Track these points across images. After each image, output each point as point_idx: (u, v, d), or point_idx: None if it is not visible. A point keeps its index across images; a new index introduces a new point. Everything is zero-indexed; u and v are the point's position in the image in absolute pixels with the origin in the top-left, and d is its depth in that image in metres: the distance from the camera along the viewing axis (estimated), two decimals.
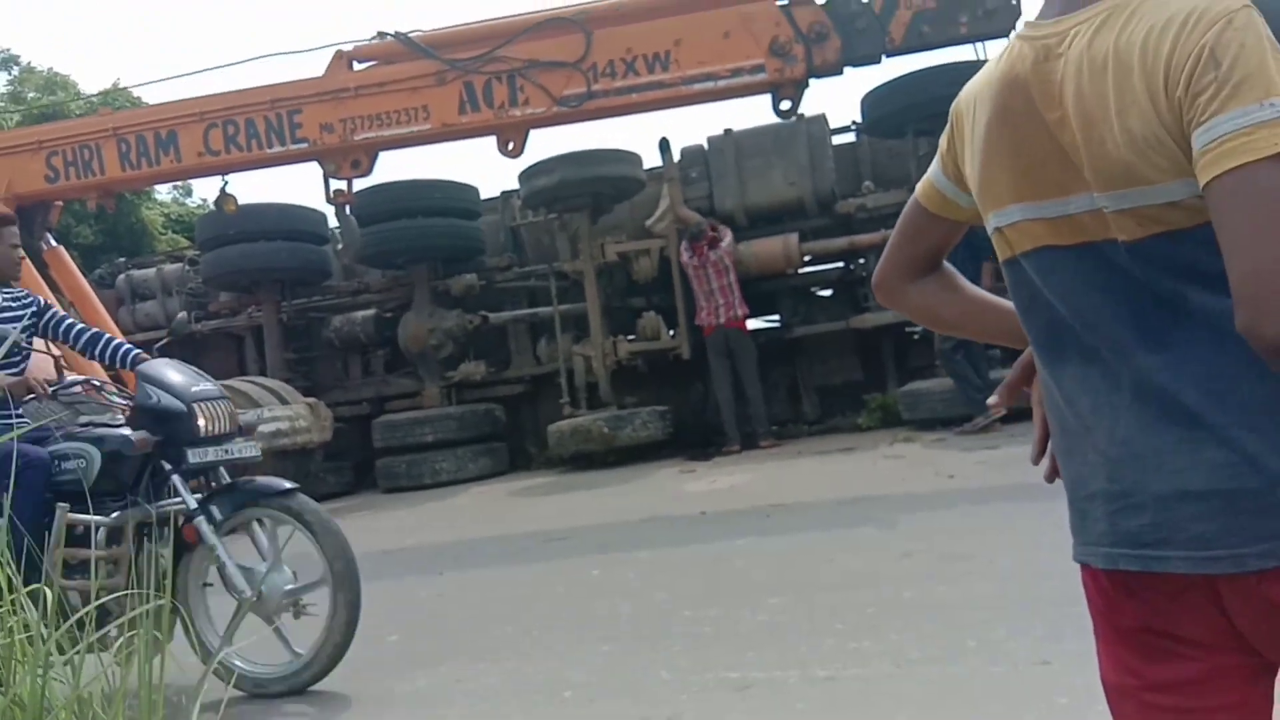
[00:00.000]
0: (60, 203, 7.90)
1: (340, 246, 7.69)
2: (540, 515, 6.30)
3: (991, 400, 1.05)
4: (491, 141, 6.51)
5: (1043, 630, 2.64)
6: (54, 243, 7.61)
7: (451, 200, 9.67)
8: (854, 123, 9.48)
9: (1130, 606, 0.89)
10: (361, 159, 6.69)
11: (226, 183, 7.21)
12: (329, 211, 7.85)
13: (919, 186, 1.10)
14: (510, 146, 6.44)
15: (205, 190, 29.62)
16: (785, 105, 6.13)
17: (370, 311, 10.30)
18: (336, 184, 6.84)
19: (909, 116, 8.17)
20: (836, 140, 9.41)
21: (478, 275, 9.91)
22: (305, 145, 6.63)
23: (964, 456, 5.99)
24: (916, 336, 9.19)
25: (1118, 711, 0.94)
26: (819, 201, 9.00)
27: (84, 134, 7.09)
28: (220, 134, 6.73)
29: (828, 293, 9.76)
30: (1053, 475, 1.01)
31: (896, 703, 2.33)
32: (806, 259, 9.15)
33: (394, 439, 9.07)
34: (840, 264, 9.40)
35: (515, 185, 9.43)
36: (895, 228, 1.13)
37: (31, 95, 23.95)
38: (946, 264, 1.12)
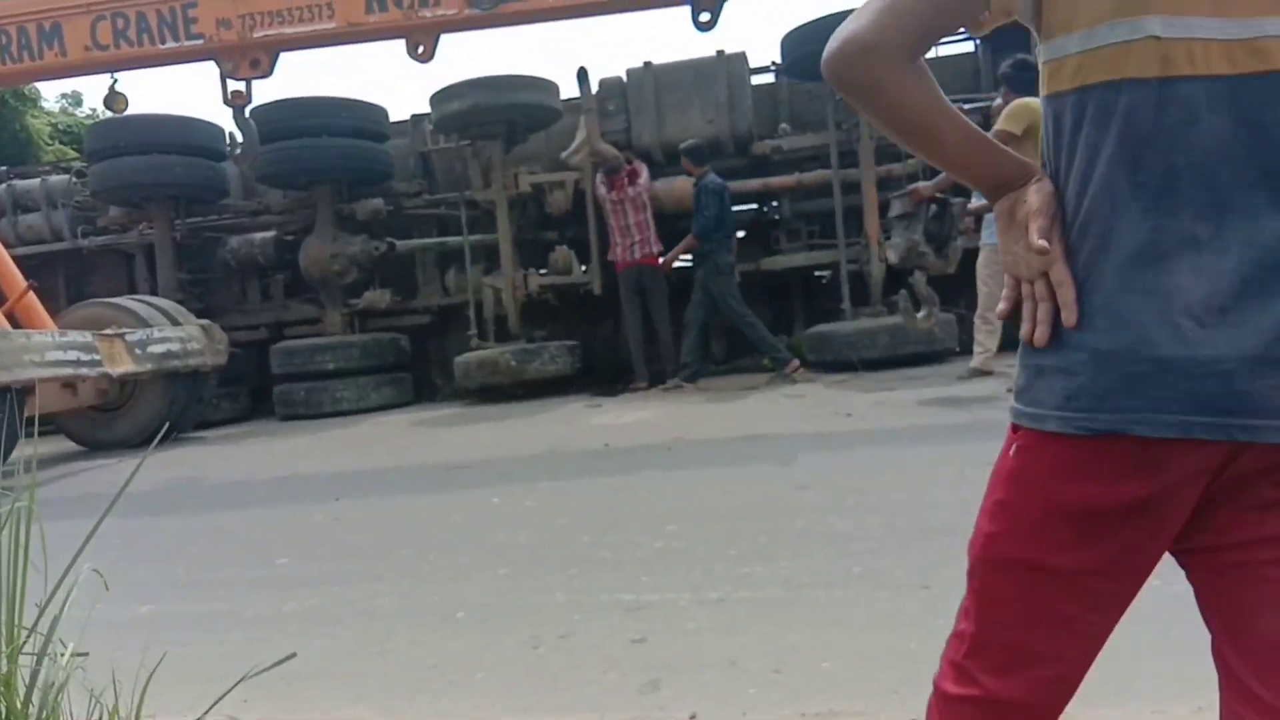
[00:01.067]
0: None
1: (239, 152, 7.33)
2: (443, 445, 6.24)
3: (1040, 244, 0.87)
4: (402, 54, 6.26)
5: (925, 559, 2.73)
6: None
7: (358, 120, 9.34)
8: (773, 63, 9.45)
9: (1135, 481, 0.84)
10: (261, 58, 6.36)
11: (116, 80, 6.80)
12: (227, 119, 7.47)
13: None
14: (420, 50, 6.19)
15: (95, 99, 27.97)
16: (705, 18, 6.04)
17: (270, 233, 9.94)
18: (234, 85, 6.50)
19: None
20: (756, 80, 9.37)
21: (385, 200, 9.64)
22: (200, 42, 6.26)
23: (862, 397, 6.14)
24: (824, 281, 9.34)
25: (1026, 587, 0.91)
26: (735, 141, 8.99)
27: None
28: (109, 27, 6.30)
29: (740, 234, 9.80)
30: (1047, 339, 0.88)
31: (784, 624, 2.39)
32: None
33: (293, 366, 8.83)
34: (754, 206, 9.44)
35: (427, 109, 9.14)
36: None
37: None
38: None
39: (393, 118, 9.96)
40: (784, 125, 8.99)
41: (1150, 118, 0.82)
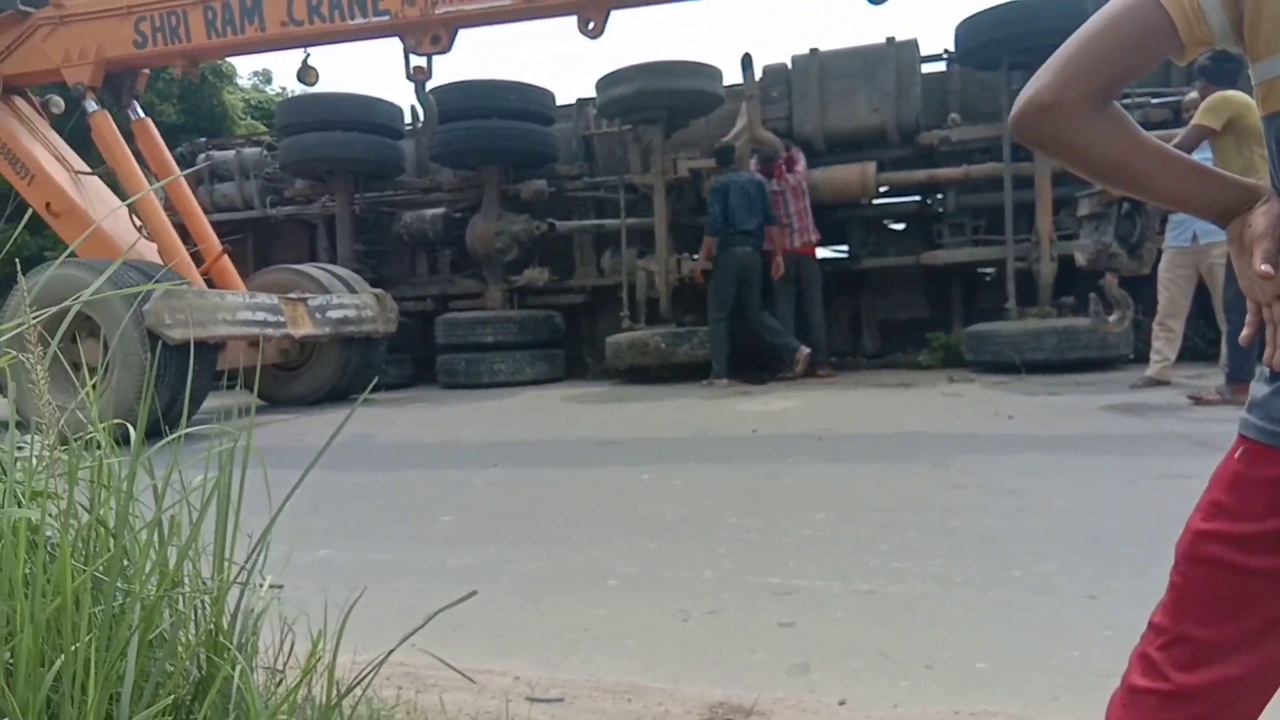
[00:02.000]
0: (147, 71, 8.03)
1: (420, 124, 7.68)
2: (593, 421, 6.40)
3: (1263, 269, 0.87)
4: (572, 50, 6.43)
5: (1094, 568, 2.63)
6: (141, 113, 7.77)
7: (527, 103, 9.61)
8: (946, 51, 9.14)
9: None
10: (441, 35, 6.66)
11: (308, 54, 7.26)
12: (406, 99, 7.87)
13: None
14: (591, 26, 6.32)
15: (284, 78, 29.82)
16: None
17: (440, 210, 10.38)
18: (416, 60, 6.84)
19: (1005, 48, 7.85)
20: (926, 69, 9.09)
21: (548, 182, 9.90)
22: (386, 18, 6.62)
23: (1025, 400, 5.90)
24: (988, 278, 9.00)
25: (1228, 586, 0.91)
26: (901, 131, 8.75)
27: (171, 1, 7.17)
28: (304, 3, 6.77)
29: (900, 226, 9.56)
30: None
31: (936, 619, 2.35)
32: (882, 189, 8.94)
33: (455, 337, 9.23)
34: (917, 198, 9.18)
35: (591, 94, 9.33)
36: (1091, 35, 0.90)
37: None
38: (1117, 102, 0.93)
39: (559, 101, 10.22)
40: (954, 115, 8.69)
41: None
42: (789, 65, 9.19)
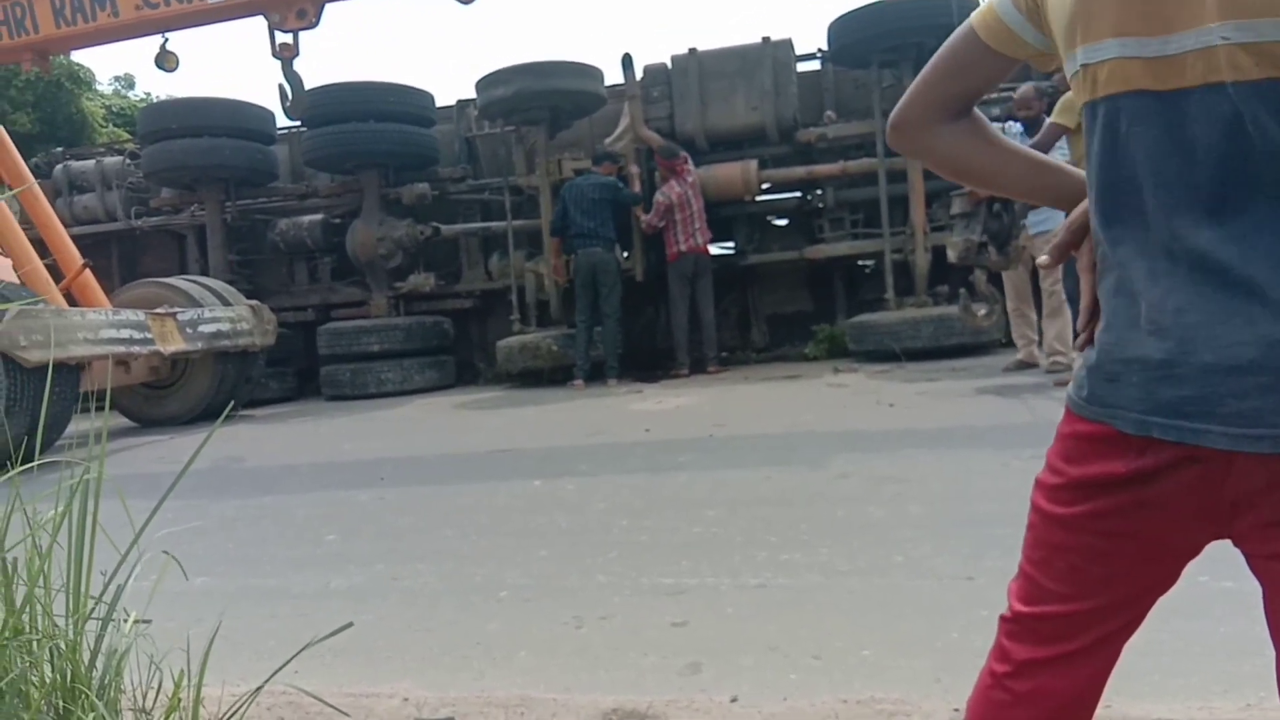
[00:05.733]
0: None
1: (288, 105, 7.38)
2: (485, 429, 6.31)
3: (1043, 260, 0.96)
4: (451, 50, 6.31)
5: (968, 549, 2.72)
6: None
7: (405, 105, 9.41)
8: (820, 50, 9.36)
9: (1117, 461, 0.88)
10: (307, 9, 6.43)
11: (166, 39, 6.89)
12: (275, 105, 7.50)
13: (976, 17, 1.00)
14: None
15: (148, 83, 28.46)
16: None
17: (318, 216, 10.08)
18: (282, 37, 6.59)
19: (874, 46, 8.09)
20: (801, 67, 9.28)
21: (430, 185, 9.72)
22: None
23: (905, 387, 6.10)
24: (868, 270, 9.27)
25: (1040, 528, 0.97)
26: (780, 129, 8.92)
27: None
28: None
29: (783, 222, 9.76)
30: (1085, 345, 0.94)
31: (823, 610, 2.39)
32: (764, 186, 9.10)
33: (339, 347, 8.97)
34: (798, 194, 9.38)
35: (472, 95, 9.20)
36: (931, 63, 1.02)
37: None
38: (977, 110, 1.04)
39: (439, 103, 10.03)
40: (829, 113, 8.91)
41: (1104, 134, 0.87)
42: (669, 65, 9.25)
